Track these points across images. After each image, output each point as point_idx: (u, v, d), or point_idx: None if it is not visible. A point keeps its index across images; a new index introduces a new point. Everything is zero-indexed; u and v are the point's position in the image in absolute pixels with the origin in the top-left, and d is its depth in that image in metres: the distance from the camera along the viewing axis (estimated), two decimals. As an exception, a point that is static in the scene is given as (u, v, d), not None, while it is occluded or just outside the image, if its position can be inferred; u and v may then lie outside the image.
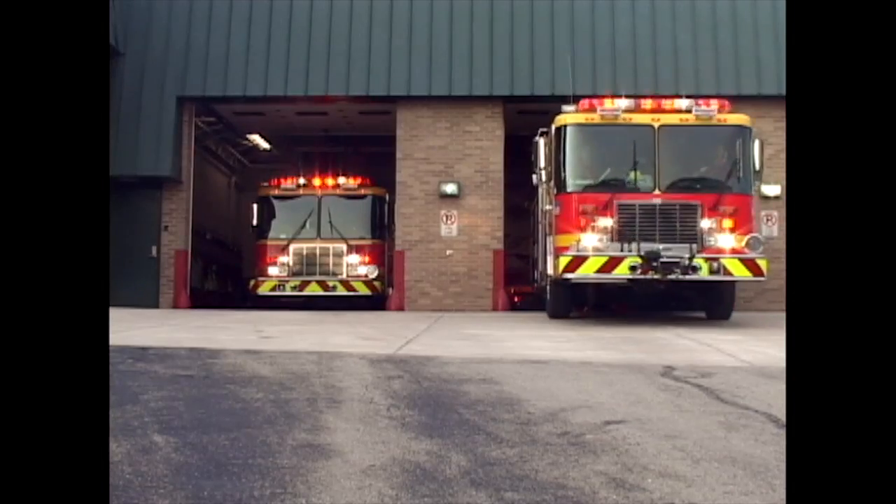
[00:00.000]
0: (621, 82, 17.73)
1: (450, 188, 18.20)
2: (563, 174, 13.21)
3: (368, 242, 19.86)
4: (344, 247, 19.58)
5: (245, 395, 5.99)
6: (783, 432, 4.89)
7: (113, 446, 4.41)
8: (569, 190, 13.09)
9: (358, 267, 19.54)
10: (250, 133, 24.33)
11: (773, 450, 4.57)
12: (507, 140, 18.50)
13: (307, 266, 19.52)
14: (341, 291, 19.37)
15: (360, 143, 23.41)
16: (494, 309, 17.89)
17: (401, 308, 18.06)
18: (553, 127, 13.46)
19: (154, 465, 4.17)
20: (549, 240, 13.75)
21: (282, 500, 3.65)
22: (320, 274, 19.53)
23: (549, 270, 13.49)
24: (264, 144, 25.26)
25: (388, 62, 18.32)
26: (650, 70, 17.81)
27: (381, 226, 20.25)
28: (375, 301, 19.49)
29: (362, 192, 20.20)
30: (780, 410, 5.44)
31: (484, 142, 18.36)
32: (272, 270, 19.57)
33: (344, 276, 19.50)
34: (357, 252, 19.61)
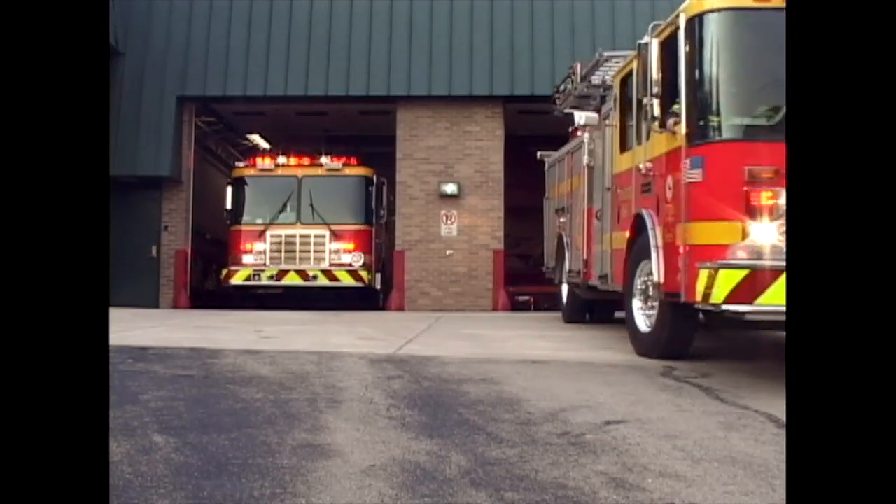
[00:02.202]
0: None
1: (450, 188, 18.21)
2: (707, 106, 7.37)
3: (354, 228, 18.15)
4: (327, 233, 17.92)
5: (245, 395, 5.98)
6: (783, 432, 4.89)
7: (113, 446, 4.41)
8: (722, 136, 7.20)
9: (342, 255, 17.89)
10: (250, 133, 24.33)
11: (773, 450, 4.57)
12: (507, 140, 18.50)
13: (286, 254, 17.94)
14: (323, 282, 17.77)
15: (360, 143, 23.39)
16: (494, 309, 17.90)
17: (401, 308, 18.06)
18: (683, 18, 7.59)
19: (154, 465, 4.17)
20: (652, 224, 8.19)
21: (282, 500, 3.65)
22: (300, 262, 17.90)
23: (657, 276, 7.96)
24: (264, 144, 25.25)
25: (388, 62, 18.32)
26: (650, 70, 17.77)
27: (369, 210, 18.44)
28: (365, 295, 18.23)
29: (347, 172, 18.48)
30: (780, 410, 5.44)
31: (484, 142, 18.37)
32: (247, 259, 17.99)
33: (326, 264, 17.84)
34: (341, 239, 17.96)
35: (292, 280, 17.76)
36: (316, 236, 17.98)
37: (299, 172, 18.34)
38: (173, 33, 18.73)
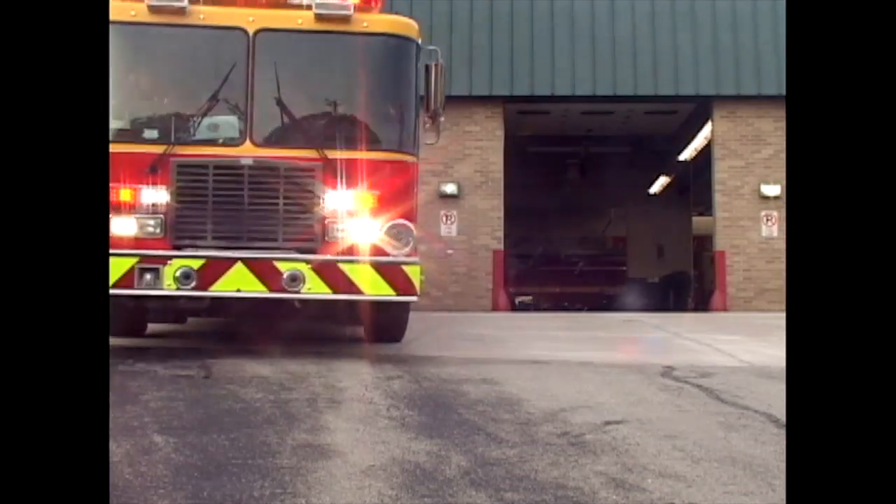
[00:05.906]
0: (621, 82, 17.77)
1: (450, 188, 18.20)
2: None
3: (383, 159, 8.04)
4: (317, 168, 7.69)
5: (245, 395, 5.98)
6: (783, 432, 4.89)
7: (113, 446, 4.40)
8: None
9: (354, 223, 7.71)
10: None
11: (773, 450, 4.57)
12: (507, 140, 18.51)
13: (218, 217, 7.72)
14: (318, 291, 7.44)
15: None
16: (494, 309, 17.88)
17: (401, 308, 18.00)
18: None
19: (154, 465, 4.17)
20: None
21: (282, 500, 3.65)
22: (250, 240, 7.58)
23: None
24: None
25: (388, 62, 18.31)
26: (650, 70, 17.80)
27: (416, 118, 8.68)
28: (395, 313, 8.56)
29: (366, 25, 8.05)
30: (780, 410, 5.44)
31: (484, 142, 18.36)
32: (124, 226, 7.50)
33: (317, 247, 7.63)
34: (353, 183, 7.73)
35: (238, 285, 7.46)
36: (290, 176, 7.75)
37: (250, 24, 7.87)
38: (173, 33, 18.72)
